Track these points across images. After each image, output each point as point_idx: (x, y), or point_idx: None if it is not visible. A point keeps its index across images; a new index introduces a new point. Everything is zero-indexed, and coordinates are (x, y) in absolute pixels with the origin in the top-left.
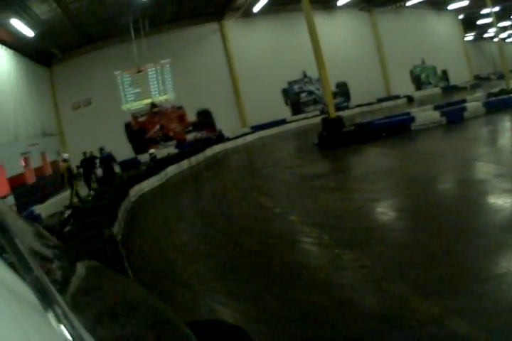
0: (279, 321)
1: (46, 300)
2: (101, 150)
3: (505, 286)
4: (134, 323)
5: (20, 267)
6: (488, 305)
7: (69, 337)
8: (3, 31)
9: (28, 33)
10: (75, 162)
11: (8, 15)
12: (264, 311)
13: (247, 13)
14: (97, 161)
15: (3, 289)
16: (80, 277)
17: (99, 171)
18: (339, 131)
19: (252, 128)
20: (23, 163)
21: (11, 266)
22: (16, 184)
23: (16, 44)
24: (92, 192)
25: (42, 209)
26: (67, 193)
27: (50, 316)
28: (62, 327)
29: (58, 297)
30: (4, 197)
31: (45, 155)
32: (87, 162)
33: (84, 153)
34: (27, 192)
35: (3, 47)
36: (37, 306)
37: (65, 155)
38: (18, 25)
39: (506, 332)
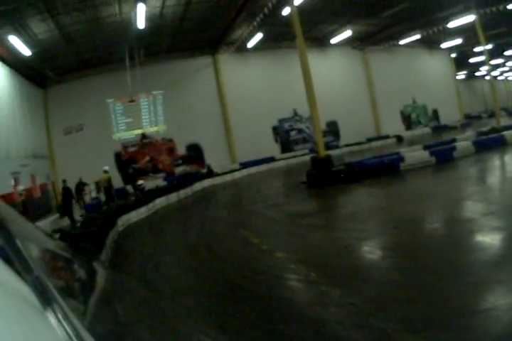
0: None
1: (46, 300)
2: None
3: (492, 320)
4: None
5: (20, 267)
6: (477, 338)
7: (69, 337)
8: (1, 47)
9: (25, 51)
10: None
11: (7, 31)
12: None
13: (241, 49)
14: (87, 187)
15: (3, 289)
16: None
17: (87, 197)
18: (328, 170)
19: (241, 164)
20: (13, 183)
21: (11, 266)
22: (6, 203)
23: (13, 61)
24: (80, 218)
25: None
26: (54, 217)
27: (50, 316)
28: (62, 327)
29: (58, 297)
30: None
31: (34, 177)
32: (66, 191)
33: (64, 182)
34: None
35: (0, 63)
36: (37, 306)
37: (106, 167)
38: (16, 42)
39: None
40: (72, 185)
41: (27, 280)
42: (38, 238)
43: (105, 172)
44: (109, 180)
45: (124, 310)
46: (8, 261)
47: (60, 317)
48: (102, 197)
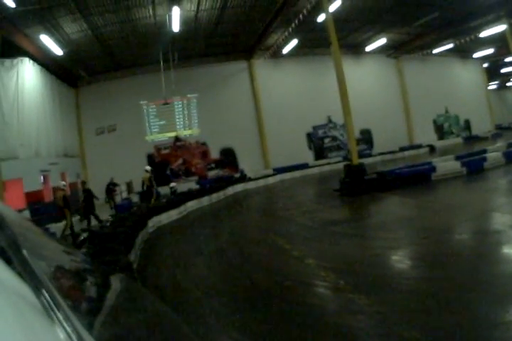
0: None
1: (48, 303)
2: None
3: None
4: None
5: (20, 267)
6: None
7: (69, 337)
8: (33, 46)
9: (57, 50)
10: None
11: (39, 30)
12: None
13: (276, 54)
14: (118, 188)
15: (3, 289)
16: (116, 292)
17: (118, 197)
18: (361, 178)
19: (274, 170)
20: (42, 180)
21: (12, 266)
22: (33, 200)
23: (44, 60)
24: (110, 218)
25: (57, 229)
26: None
27: (53, 319)
28: (63, 327)
29: (59, 297)
30: (20, 211)
31: (65, 175)
32: (87, 193)
33: (84, 183)
34: (43, 210)
35: (31, 61)
36: (39, 309)
37: (148, 167)
38: (48, 41)
39: None
40: (94, 185)
41: (27, 281)
42: (47, 246)
43: (146, 171)
44: (149, 180)
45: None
46: (9, 261)
47: (63, 322)
48: (134, 197)
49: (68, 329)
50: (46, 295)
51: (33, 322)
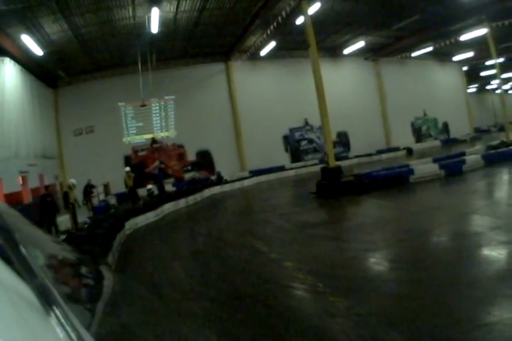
0: None
1: (46, 300)
2: (160, 169)
3: (496, 334)
4: None
5: (20, 267)
6: None
7: (68, 336)
8: (14, 46)
9: (37, 51)
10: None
11: (20, 30)
12: None
13: (254, 56)
14: (95, 190)
15: (3, 289)
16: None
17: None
18: (338, 180)
19: (250, 172)
20: (21, 182)
21: (11, 265)
22: (12, 201)
23: (24, 60)
24: (88, 220)
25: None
26: (63, 218)
27: (50, 316)
28: (63, 327)
29: (58, 297)
30: None
31: (43, 177)
32: (51, 198)
33: (46, 187)
34: (22, 211)
35: (12, 61)
36: (37, 306)
37: (127, 168)
38: (28, 41)
39: None
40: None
41: (27, 280)
42: (41, 240)
43: (127, 173)
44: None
45: (131, 315)
46: (8, 261)
47: (61, 319)
48: (111, 199)
49: (68, 328)
50: (45, 293)
51: (32, 321)
